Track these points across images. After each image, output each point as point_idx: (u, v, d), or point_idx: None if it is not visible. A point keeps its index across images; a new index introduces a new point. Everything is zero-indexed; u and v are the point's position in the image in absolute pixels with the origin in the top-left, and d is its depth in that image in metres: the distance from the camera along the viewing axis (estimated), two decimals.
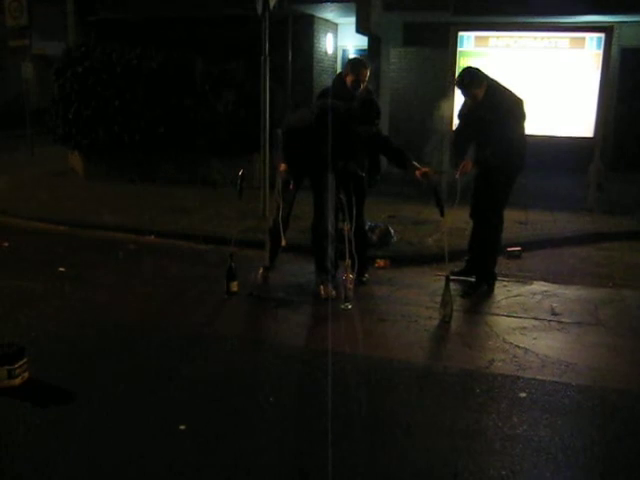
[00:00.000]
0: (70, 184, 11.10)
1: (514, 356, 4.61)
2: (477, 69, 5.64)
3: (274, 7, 8.05)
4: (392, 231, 7.37)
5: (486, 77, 5.57)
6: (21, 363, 4.00)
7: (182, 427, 3.58)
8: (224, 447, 3.44)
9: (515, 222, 8.28)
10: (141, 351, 4.65)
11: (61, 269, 6.44)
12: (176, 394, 4.01)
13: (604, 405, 3.95)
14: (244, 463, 3.32)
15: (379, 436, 3.59)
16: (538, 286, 6.22)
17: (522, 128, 5.64)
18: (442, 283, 5.35)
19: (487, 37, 10.55)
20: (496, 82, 5.64)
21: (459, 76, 5.63)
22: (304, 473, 3.29)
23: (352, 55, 13.15)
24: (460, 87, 5.55)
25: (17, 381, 3.97)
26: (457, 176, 5.70)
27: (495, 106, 5.48)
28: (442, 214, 5.61)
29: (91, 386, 4.07)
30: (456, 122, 6.44)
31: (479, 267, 6.02)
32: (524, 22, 10.21)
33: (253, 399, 3.96)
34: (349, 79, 5.71)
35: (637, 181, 10.50)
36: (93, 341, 4.80)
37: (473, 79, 5.51)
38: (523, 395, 4.04)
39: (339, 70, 13.00)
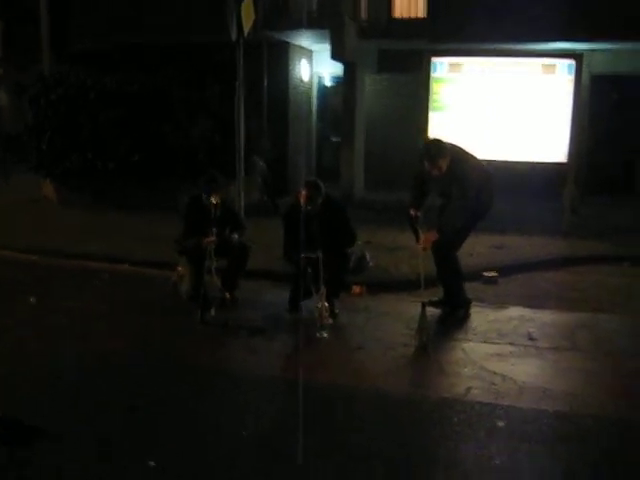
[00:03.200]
0: (43, 212, 10.94)
1: (492, 383, 4.57)
2: (440, 141, 5.80)
3: (248, 34, 8.08)
4: (368, 256, 7.31)
5: (448, 147, 5.67)
6: None
7: (152, 463, 3.48)
8: None
9: (491, 247, 8.31)
10: (112, 385, 4.53)
11: (32, 299, 6.30)
12: (146, 429, 3.91)
13: (580, 431, 3.92)
14: None
15: (356, 466, 3.52)
16: (514, 311, 6.20)
17: (477, 184, 5.66)
18: (418, 310, 5.31)
19: (460, 64, 10.70)
20: (457, 148, 5.76)
21: (425, 149, 5.76)
22: None
23: (328, 83, 13.28)
24: (428, 160, 5.62)
25: None
26: (420, 246, 5.73)
27: (458, 172, 5.58)
28: (418, 240, 5.61)
29: (61, 421, 3.95)
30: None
31: (450, 295, 6.02)
32: (496, 49, 10.36)
33: (225, 433, 3.88)
34: (302, 194, 5.82)
35: (611, 204, 10.62)
36: (64, 374, 4.67)
37: (439, 151, 5.63)
38: (501, 424, 3.99)
39: (315, 96, 13.14)
